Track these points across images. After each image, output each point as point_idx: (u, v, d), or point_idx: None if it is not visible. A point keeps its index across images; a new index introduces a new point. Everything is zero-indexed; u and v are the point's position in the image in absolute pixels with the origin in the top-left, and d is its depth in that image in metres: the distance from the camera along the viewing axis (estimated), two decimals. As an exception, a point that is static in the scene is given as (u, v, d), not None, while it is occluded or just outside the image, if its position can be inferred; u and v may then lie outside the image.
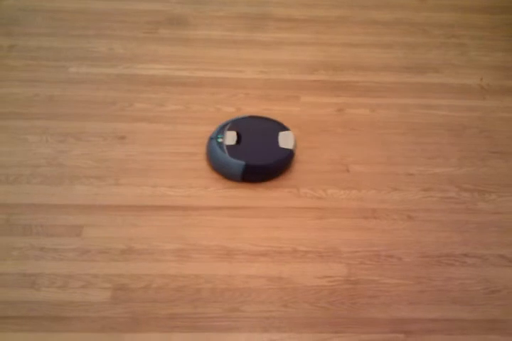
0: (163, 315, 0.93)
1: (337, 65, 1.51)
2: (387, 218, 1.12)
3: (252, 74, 1.46)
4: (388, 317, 0.96)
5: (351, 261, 1.04)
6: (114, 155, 1.20)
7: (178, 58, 1.49)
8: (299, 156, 1.23)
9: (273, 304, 0.96)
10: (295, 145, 1.18)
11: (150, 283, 0.98)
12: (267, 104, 1.37)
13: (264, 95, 1.40)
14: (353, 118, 1.35)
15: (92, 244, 1.03)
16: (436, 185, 1.20)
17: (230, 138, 1.17)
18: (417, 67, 1.53)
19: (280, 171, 1.18)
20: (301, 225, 1.10)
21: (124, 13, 1.63)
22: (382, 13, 1.73)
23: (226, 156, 1.13)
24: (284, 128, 1.21)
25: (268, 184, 1.17)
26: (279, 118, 1.26)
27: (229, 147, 1.15)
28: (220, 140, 1.16)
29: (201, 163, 1.21)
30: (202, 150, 1.23)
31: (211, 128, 1.24)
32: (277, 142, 1.18)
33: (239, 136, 1.18)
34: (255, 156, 1.14)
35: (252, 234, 1.07)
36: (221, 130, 1.19)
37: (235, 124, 1.21)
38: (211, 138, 1.18)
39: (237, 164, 1.12)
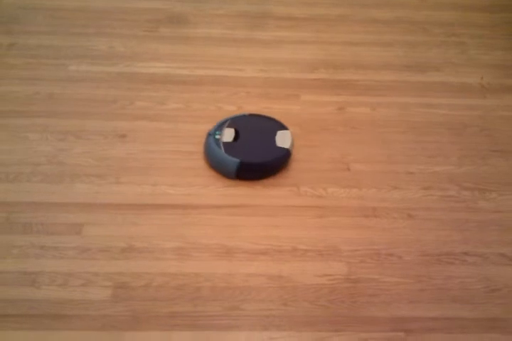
0: (163, 314, 0.93)
1: (337, 64, 1.51)
2: (387, 217, 1.12)
3: (253, 73, 1.46)
4: (388, 316, 0.96)
5: (351, 260, 1.04)
6: (114, 154, 1.20)
7: (178, 56, 1.48)
8: (299, 155, 1.23)
9: (273, 302, 0.96)
10: (292, 145, 1.18)
11: (150, 282, 0.98)
12: (268, 103, 1.37)
13: (264, 93, 1.40)
14: (353, 117, 1.35)
15: (92, 243, 1.03)
16: (436, 183, 1.20)
17: (228, 135, 1.17)
18: (417, 66, 1.52)
19: (276, 170, 1.18)
20: (301, 224, 1.10)
21: (124, 12, 1.63)
22: (383, 12, 1.73)
23: (222, 153, 1.13)
24: (283, 127, 1.21)
25: (268, 182, 1.17)
26: (279, 117, 1.26)
27: (225, 144, 1.15)
28: (217, 136, 1.16)
29: (201, 161, 1.20)
30: (202, 148, 1.23)
31: (212, 127, 1.24)
32: (274, 141, 1.17)
33: (237, 133, 1.18)
34: (251, 154, 1.13)
35: (252, 232, 1.07)
36: (220, 126, 1.19)
37: (234, 121, 1.21)
38: (209, 134, 1.18)
39: (232, 161, 1.12)
